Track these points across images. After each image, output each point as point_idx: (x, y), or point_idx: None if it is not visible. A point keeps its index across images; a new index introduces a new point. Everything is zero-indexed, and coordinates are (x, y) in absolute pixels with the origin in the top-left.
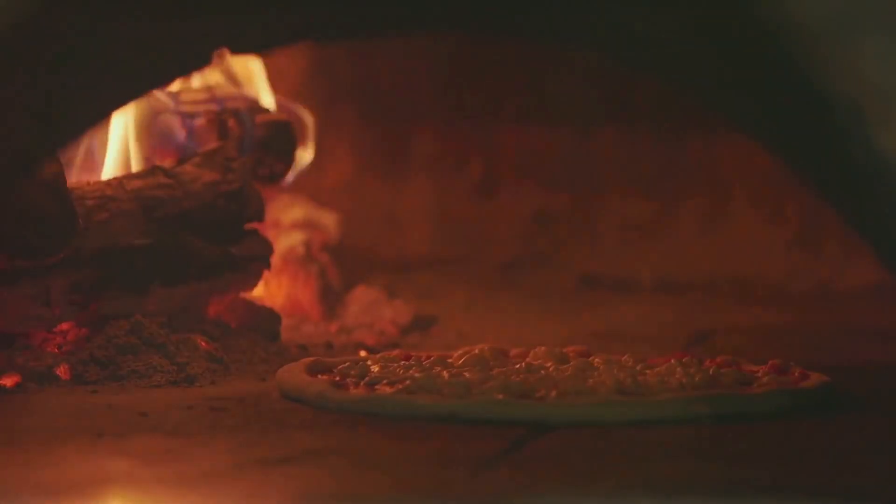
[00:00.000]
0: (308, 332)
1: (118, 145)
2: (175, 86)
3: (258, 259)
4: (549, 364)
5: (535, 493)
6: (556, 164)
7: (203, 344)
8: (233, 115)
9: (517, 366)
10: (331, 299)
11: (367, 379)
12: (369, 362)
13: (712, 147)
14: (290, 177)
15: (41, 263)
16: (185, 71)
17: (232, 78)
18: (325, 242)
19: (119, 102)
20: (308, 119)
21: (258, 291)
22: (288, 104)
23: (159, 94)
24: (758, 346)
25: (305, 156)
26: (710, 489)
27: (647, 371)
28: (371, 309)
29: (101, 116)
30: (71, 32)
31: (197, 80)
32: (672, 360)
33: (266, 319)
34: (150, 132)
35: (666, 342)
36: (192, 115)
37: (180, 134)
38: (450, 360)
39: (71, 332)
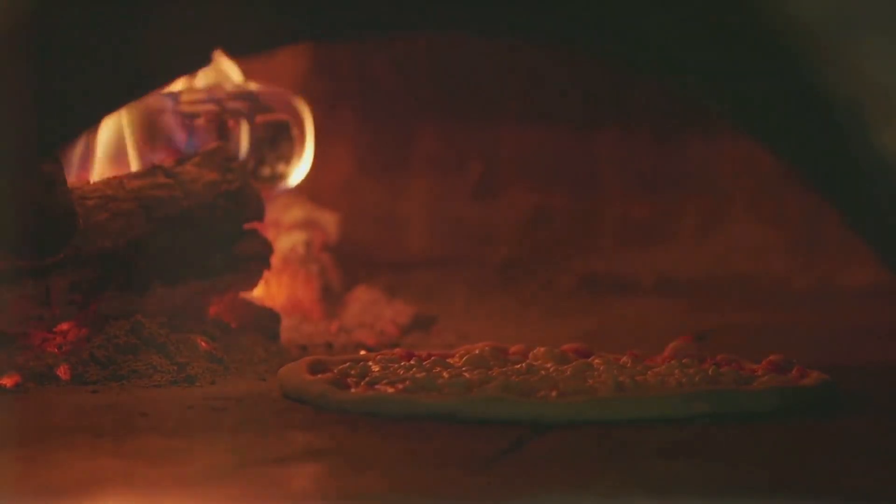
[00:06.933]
0: (308, 332)
1: (118, 145)
2: (175, 86)
3: (258, 259)
4: (549, 364)
5: (535, 493)
6: (556, 164)
7: (203, 344)
8: (233, 115)
9: (517, 366)
10: (331, 299)
11: (367, 379)
12: (370, 362)
13: (712, 147)
14: (291, 181)
15: (41, 263)
16: (186, 71)
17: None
18: (325, 242)
19: (119, 102)
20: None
21: (258, 291)
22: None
23: (159, 94)
24: (758, 346)
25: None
26: (710, 489)
27: (647, 371)
28: (371, 309)
29: (101, 116)
30: (71, 32)
31: (197, 80)
32: (672, 360)
33: (266, 319)
34: (150, 132)
35: (666, 342)
36: (192, 115)
37: (180, 134)
38: (450, 360)
39: (71, 332)
